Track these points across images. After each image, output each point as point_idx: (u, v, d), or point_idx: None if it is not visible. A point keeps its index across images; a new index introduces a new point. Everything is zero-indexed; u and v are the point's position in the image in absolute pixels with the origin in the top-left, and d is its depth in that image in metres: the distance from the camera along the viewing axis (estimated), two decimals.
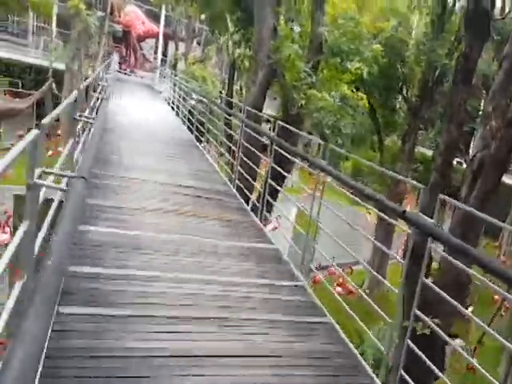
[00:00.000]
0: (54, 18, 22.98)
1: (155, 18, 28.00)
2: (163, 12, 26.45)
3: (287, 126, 5.96)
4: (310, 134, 10.25)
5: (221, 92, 15.46)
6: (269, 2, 8.35)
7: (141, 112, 12.64)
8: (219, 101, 12.58)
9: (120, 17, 26.11)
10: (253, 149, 6.36)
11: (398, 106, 12.99)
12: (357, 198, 4.14)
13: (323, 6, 8.95)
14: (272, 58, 8.05)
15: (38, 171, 1.99)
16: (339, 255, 4.00)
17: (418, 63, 12.14)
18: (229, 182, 6.94)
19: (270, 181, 5.41)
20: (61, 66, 17.95)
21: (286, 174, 5.87)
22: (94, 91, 7.20)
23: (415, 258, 3.10)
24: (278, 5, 8.97)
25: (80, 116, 3.69)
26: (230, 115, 8.44)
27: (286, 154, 5.19)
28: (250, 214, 5.69)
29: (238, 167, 6.57)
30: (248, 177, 6.29)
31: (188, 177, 6.80)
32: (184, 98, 12.40)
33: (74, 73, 15.91)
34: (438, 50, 11.17)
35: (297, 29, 9.84)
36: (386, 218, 3.92)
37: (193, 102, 11.17)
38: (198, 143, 9.75)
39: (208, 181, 6.82)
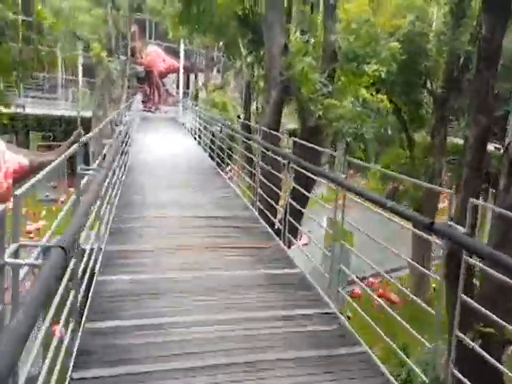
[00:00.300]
0: (80, 69, 24.30)
1: (175, 53, 28.97)
2: (182, 46, 27.31)
3: (303, 141, 5.75)
4: (334, 143, 9.92)
5: (238, 116, 15.51)
6: (277, 20, 8.27)
7: (164, 147, 12.85)
8: (238, 124, 12.59)
9: (142, 58, 27.19)
10: (272, 170, 6.18)
11: (423, 100, 12.44)
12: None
13: (334, 14, 8.77)
14: (284, 74, 7.91)
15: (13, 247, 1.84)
16: (377, 263, 3.69)
17: (440, 54, 11.63)
18: (251, 206, 6.85)
19: (291, 201, 5.21)
20: (88, 114, 18.80)
21: (307, 193, 5.58)
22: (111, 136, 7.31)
23: (451, 271, 2.74)
24: (287, 22, 8.88)
25: (85, 169, 3.62)
26: (247, 138, 8.32)
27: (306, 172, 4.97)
28: (273, 237, 5.52)
29: (259, 190, 6.47)
30: (269, 199, 6.09)
31: (210, 206, 6.81)
32: (205, 127, 12.52)
33: (101, 119, 16.55)
34: (460, 38, 10.64)
35: (311, 40, 9.73)
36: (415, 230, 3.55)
37: (213, 130, 11.23)
38: (219, 170, 9.78)
39: (230, 208, 6.80)
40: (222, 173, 9.60)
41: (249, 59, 10.18)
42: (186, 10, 10.65)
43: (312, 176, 5.09)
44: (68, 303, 2.64)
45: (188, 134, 16.67)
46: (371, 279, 11.55)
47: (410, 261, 4.15)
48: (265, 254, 4.89)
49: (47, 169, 2.92)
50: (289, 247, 5.37)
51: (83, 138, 3.81)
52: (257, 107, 11.93)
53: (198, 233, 5.53)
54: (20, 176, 10.97)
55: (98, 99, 18.64)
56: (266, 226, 5.97)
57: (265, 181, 6.38)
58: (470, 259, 2.55)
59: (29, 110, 21.43)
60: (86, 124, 17.43)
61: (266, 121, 8.06)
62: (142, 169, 9.58)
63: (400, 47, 9.17)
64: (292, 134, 20.32)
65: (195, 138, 14.66)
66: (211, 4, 9.69)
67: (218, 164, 10.13)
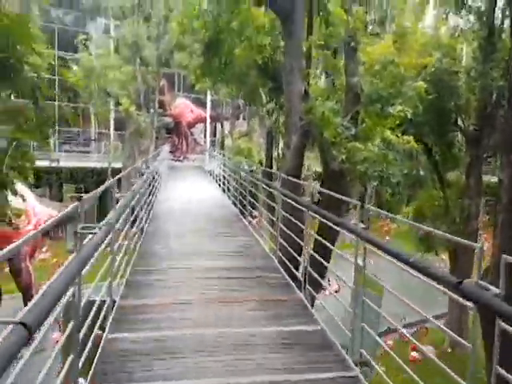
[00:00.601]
0: (112, 123, 25.36)
1: (203, 103, 29.93)
2: (208, 97, 28.18)
3: (326, 185, 5.39)
4: (364, 185, 9.45)
5: (260, 162, 15.40)
6: (296, 65, 8.18)
7: (190, 194, 12.94)
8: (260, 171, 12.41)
9: (171, 110, 28.17)
10: (292, 218, 5.81)
11: (455, 139, 11.90)
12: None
13: (355, 56, 8.64)
14: (304, 119, 7.69)
15: None
16: (407, 312, 3.21)
17: (471, 91, 11.23)
18: (272, 256, 6.60)
19: (314, 249, 4.83)
20: (119, 165, 19.30)
21: (330, 244, 5.10)
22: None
23: (488, 335, 2.22)
24: (307, 66, 8.81)
25: (86, 228, 3.36)
26: (267, 185, 8.03)
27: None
28: (293, 289, 5.18)
29: (279, 238, 6.19)
30: (290, 249, 5.70)
31: (230, 255, 6.67)
32: (229, 175, 12.51)
33: None
34: (491, 73, 10.24)
35: (335, 83, 9.62)
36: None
37: (236, 177, 11.10)
38: (242, 217, 9.67)
39: (250, 257, 6.65)
40: (244, 220, 9.42)
41: (269, 106, 10.13)
42: (208, 62, 10.88)
43: (331, 225, 4.66)
44: (67, 364, 2.46)
45: (213, 181, 16.76)
46: (404, 330, 10.55)
47: (433, 320, 3.56)
48: (285, 307, 4.60)
49: (45, 226, 2.72)
50: (312, 300, 4.95)
51: (85, 196, 3.65)
52: (278, 153, 11.73)
53: (215, 285, 5.32)
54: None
55: (127, 151, 19.15)
56: (287, 276, 5.65)
57: (285, 229, 6.08)
58: (507, 326, 2.04)
59: (63, 164, 22.30)
60: (117, 175, 17.78)
61: (286, 166, 7.78)
62: (167, 217, 9.63)
63: (426, 86, 8.85)
64: (319, 177, 20.04)
65: (220, 185, 14.65)
66: (232, 56, 9.84)
67: (241, 211, 10.04)
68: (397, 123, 9.13)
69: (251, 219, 9.22)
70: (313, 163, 17.10)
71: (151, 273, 5.75)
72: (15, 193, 7.97)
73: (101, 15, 23.04)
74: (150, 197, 10.13)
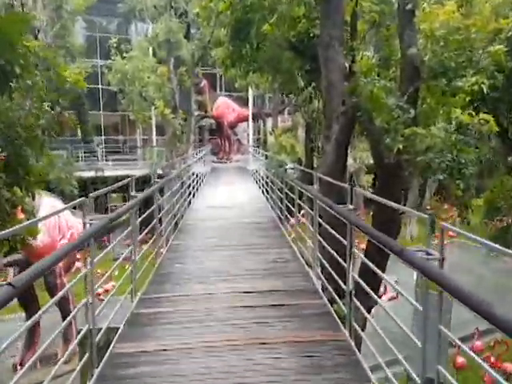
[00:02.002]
0: (154, 128, 24.98)
1: (246, 101, 28.90)
2: (250, 94, 27.04)
3: (380, 181, 3.92)
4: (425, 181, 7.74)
5: (300, 160, 13.82)
6: (336, 37, 6.63)
7: (227, 201, 11.90)
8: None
9: (212, 111, 27.38)
10: (330, 229, 4.38)
11: None
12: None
13: (413, 22, 6.98)
14: (347, 102, 6.17)
15: None
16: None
17: None
18: (311, 273, 5.34)
19: (353, 274, 3.45)
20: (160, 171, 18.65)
21: (378, 271, 3.57)
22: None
23: None
24: (351, 39, 7.24)
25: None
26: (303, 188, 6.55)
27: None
28: (336, 323, 3.94)
29: (317, 252, 4.95)
30: (331, 270, 4.28)
31: (261, 275, 5.49)
32: (266, 176, 11.25)
33: (169, 175, 16.11)
34: None
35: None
36: None
37: (274, 178, 9.78)
38: (280, 223, 8.43)
39: (284, 275, 5.46)
40: (282, 227, 8.11)
41: (306, 93, 8.65)
42: (237, 48, 9.61)
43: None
44: None
45: (255, 183, 15.58)
46: (478, 343, 8.69)
47: None
48: (324, 351, 3.47)
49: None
50: (358, 341, 3.63)
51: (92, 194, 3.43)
52: (317, 147, 9.91)
53: (240, 319, 4.13)
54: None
55: (167, 155, 18.46)
56: (326, 302, 4.42)
57: (324, 243, 4.67)
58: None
59: (108, 173, 22.19)
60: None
61: (326, 163, 6.28)
62: (197, 228, 8.58)
63: (507, 50, 6.98)
64: (373, 170, 18.03)
65: (260, 187, 13.44)
66: (263, 38, 8.49)
67: (279, 217, 8.78)
68: (468, 100, 7.34)
69: (288, 226, 7.87)
70: (365, 154, 15.28)
71: (162, 302, 4.65)
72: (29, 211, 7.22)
73: (137, 18, 22.66)
74: (180, 206, 9.13)
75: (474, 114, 6.97)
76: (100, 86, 27.43)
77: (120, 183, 5.19)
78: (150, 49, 19.95)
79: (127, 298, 4.47)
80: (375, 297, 3.55)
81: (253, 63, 9.99)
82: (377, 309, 5.42)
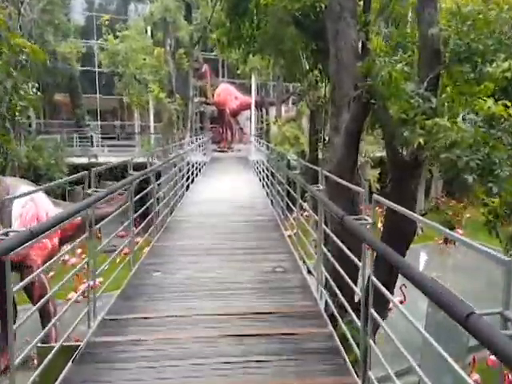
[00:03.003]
0: (152, 114, 23.98)
1: (249, 89, 27.81)
2: (253, 81, 25.95)
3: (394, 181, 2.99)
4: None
5: (303, 152, 12.79)
6: (347, 7, 5.61)
7: (224, 195, 10.92)
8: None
9: (213, 97, 26.29)
10: (335, 238, 3.50)
11: None
12: None
13: None
14: (360, 86, 5.21)
15: None
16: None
17: None
18: (313, 287, 4.49)
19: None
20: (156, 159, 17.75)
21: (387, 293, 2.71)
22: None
23: None
24: (365, 9, 6.24)
25: None
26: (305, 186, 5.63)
27: None
28: (344, 368, 3.06)
29: (322, 267, 4.15)
30: (338, 292, 3.42)
31: (253, 291, 4.58)
32: (267, 168, 10.33)
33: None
34: None
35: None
36: None
37: (274, 171, 8.88)
38: (280, 223, 7.55)
39: (284, 290, 4.58)
40: (282, 228, 7.24)
41: (311, 77, 7.65)
42: (236, 26, 8.63)
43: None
44: None
45: (256, 174, 14.65)
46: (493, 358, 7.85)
47: None
48: None
49: None
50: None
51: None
52: (323, 139, 8.80)
53: (219, 358, 3.21)
54: (73, 233, 9.65)
55: (163, 143, 17.50)
56: (333, 332, 3.54)
57: (329, 255, 3.85)
58: None
59: (102, 159, 21.28)
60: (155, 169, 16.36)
61: (335, 157, 5.34)
62: (187, 227, 7.66)
63: None
64: (379, 164, 17.00)
65: (260, 180, 12.53)
66: (262, 12, 7.50)
67: (279, 215, 7.91)
68: (496, 88, 6.38)
69: (288, 226, 7.01)
70: (372, 148, 14.27)
71: (126, 327, 3.74)
72: None
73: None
74: (169, 201, 8.27)
75: (508, 104, 5.99)
76: (97, 69, 26.38)
77: (116, 163, 4.38)
78: (148, 30, 18.90)
79: (84, 318, 3.62)
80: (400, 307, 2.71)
81: (253, 43, 9.01)
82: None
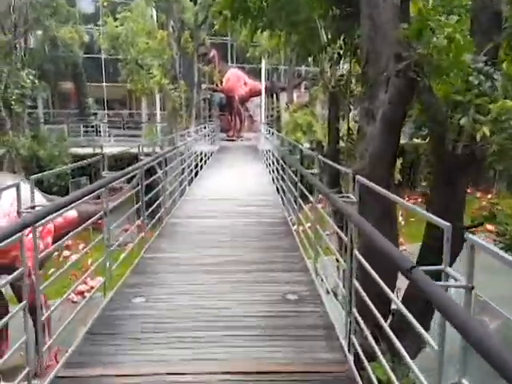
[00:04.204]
0: (158, 102, 22.81)
1: (260, 74, 26.41)
2: (263, 65, 24.53)
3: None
4: None
5: (320, 143, 11.40)
6: None
7: (228, 191, 9.80)
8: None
9: (221, 83, 24.98)
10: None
11: None
12: None
13: None
14: (405, 57, 3.89)
15: None
16: None
17: None
18: (338, 330, 3.34)
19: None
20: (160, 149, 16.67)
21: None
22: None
23: None
24: None
25: None
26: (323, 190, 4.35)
27: None
28: None
29: (353, 309, 2.91)
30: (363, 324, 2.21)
31: (264, 329, 3.47)
32: (276, 160, 9.11)
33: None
34: None
35: None
36: None
37: (284, 164, 7.66)
38: (292, 227, 6.54)
39: (299, 330, 3.43)
40: (296, 236, 6.08)
41: (331, 50, 6.31)
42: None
43: None
44: None
45: (265, 165, 13.44)
46: None
47: None
48: None
49: None
50: None
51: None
52: (348, 129, 7.26)
53: None
54: (68, 230, 8.70)
55: (167, 132, 16.34)
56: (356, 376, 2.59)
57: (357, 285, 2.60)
58: None
59: (107, 150, 20.34)
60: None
61: (369, 152, 4.06)
62: (183, 232, 6.48)
63: None
64: (400, 154, 15.50)
65: (270, 173, 11.32)
66: None
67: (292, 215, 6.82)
68: None
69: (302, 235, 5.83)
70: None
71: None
72: None
73: None
74: (164, 201, 7.17)
75: None
76: (103, 56, 25.26)
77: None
78: (150, 11, 17.62)
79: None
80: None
81: (261, 17, 7.68)
82: None
